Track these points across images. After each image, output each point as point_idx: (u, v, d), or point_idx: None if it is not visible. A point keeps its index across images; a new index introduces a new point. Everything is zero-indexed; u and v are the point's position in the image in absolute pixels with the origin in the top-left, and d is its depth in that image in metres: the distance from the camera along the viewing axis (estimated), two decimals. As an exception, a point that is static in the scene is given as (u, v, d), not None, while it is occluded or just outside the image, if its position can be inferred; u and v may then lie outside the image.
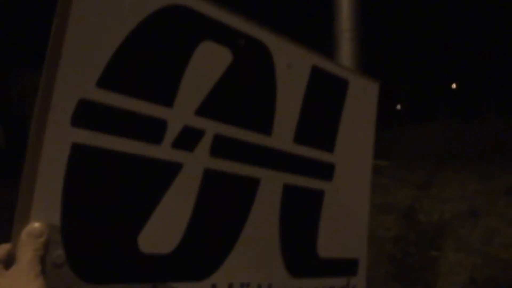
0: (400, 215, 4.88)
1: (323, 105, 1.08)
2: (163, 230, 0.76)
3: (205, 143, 0.82)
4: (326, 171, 1.08)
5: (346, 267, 1.13)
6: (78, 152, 0.66)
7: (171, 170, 0.77)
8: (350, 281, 1.13)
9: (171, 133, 0.77)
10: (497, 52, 17.30)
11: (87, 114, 0.67)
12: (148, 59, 0.74)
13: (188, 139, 0.79)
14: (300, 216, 1.02)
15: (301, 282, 1.00)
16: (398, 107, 19.65)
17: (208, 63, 0.83)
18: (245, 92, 0.90)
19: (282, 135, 0.97)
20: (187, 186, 0.79)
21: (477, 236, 4.43)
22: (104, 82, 0.69)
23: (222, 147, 0.84)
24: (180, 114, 0.78)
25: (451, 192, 5.88)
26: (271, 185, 0.94)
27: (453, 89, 20.01)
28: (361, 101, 1.19)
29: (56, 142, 0.64)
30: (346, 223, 1.14)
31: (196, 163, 0.81)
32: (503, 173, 6.54)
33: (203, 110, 0.81)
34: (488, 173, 6.58)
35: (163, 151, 0.76)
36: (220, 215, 0.85)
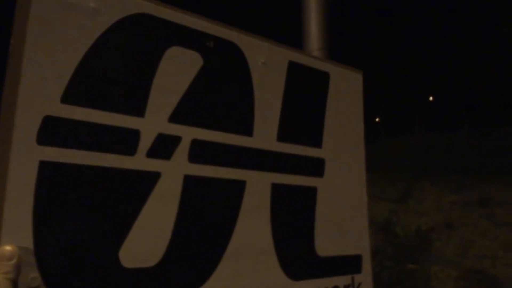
0: (377, 229, 4.93)
1: (305, 100, 1.06)
2: (145, 243, 0.74)
3: (182, 150, 0.81)
4: (316, 167, 1.05)
5: (349, 264, 1.09)
6: (47, 170, 0.65)
7: (148, 180, 0.76)
8: (355, 279, 1.09)
9: (145, 143, 0.76)
10: (472, 65, 17.82)
11: (53, 131, 0.66)
12: (113, 71, 0.73)
13: (163, 147, 0.78)
14: (294, 216, 0.99)
15: (301, 284, 0.96)
16: (377, 119, 19.95)
17: (177, 69, 0.82)
18: (220, 95, 0.88)
19: (265, 135, 0.95)
20: (167, 195, 0.77)
21: (452, 248, 4.50)
22: (69, 97, 0.68)
23: (201, 152, 0.83)
24: (152, 123, 0.77)
25: (427, 205, 5.99)
26: (258, 186, 0.91)
27: (430, 102, 20.46)
28: (345, 93, 1.16)
29: (22, 162, 0.63)
30: (344, 219, 1.10)
31: (175, 170, 0.79)
32: (476, 184, 6.71)
33: (176, 117, 0.80)
34: (463, 185, 6.73)
35: (138, 162, 0.74)
36: (206, 222, 0.82)
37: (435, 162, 10.29)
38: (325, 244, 1.03)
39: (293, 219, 0.98)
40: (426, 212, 5.66)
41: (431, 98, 20.69)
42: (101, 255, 0.69)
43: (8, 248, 0.57)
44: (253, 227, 0.90)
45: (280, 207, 0.95)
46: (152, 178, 0.76)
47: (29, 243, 0.61)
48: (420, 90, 19.30)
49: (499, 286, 3.63)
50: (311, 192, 1.03)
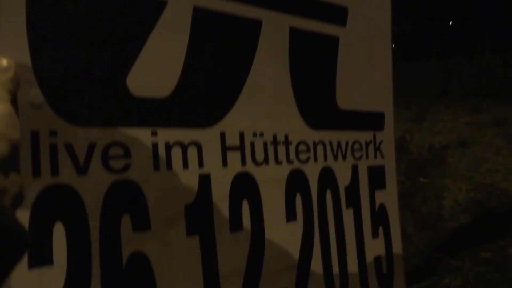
0: (391, 147, 4.97)
1: None
2: (155, 73, 0.71)
3: None
4: (338, 15, 0.99)
5: (371, 120, 1.07)
6: None
7: (154, 7, 0.71)
8: (376, 136, 1.06)
9: None
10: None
11: None
12: None
13: None
14: (313, 64, 0.95)
15: (321, 133, 0.94)
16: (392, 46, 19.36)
17: None
18: None
19: None
20: (175, 25, 0.73)
21: (465, 164, 4.55)
22: None
23: None
24: None
25: (442, 125, 5.97)
26: (275, 28, 0.86)
27: (449, 26, 19.66)
28: None
29: None
30: (367, 74, 1.06)
31: (183, 1, 0.74)
32: (493, 107, 6.60)
33: None
34: (479, 107, 6.64)
35: None
36: (219, 59, 0.80)
37: (452, 86, 10.09)
38: (347, 97, 1.00)
39: (313, 67, 0.95)
40: (440, 131, 5.66)
41: (450, 23, 19.86)
42: (105, 78, 0.66)
43: (3, 60, 0.52)
44: (270, 71, 0.86)
45: (299, 53, 0.91)
46: (158, 5, 0.72)
47: (26, 60, 0.58)
48: (440, 14, 18.44)
49: (509, 197, 3.72)
50: (333, 42, 0.98)
